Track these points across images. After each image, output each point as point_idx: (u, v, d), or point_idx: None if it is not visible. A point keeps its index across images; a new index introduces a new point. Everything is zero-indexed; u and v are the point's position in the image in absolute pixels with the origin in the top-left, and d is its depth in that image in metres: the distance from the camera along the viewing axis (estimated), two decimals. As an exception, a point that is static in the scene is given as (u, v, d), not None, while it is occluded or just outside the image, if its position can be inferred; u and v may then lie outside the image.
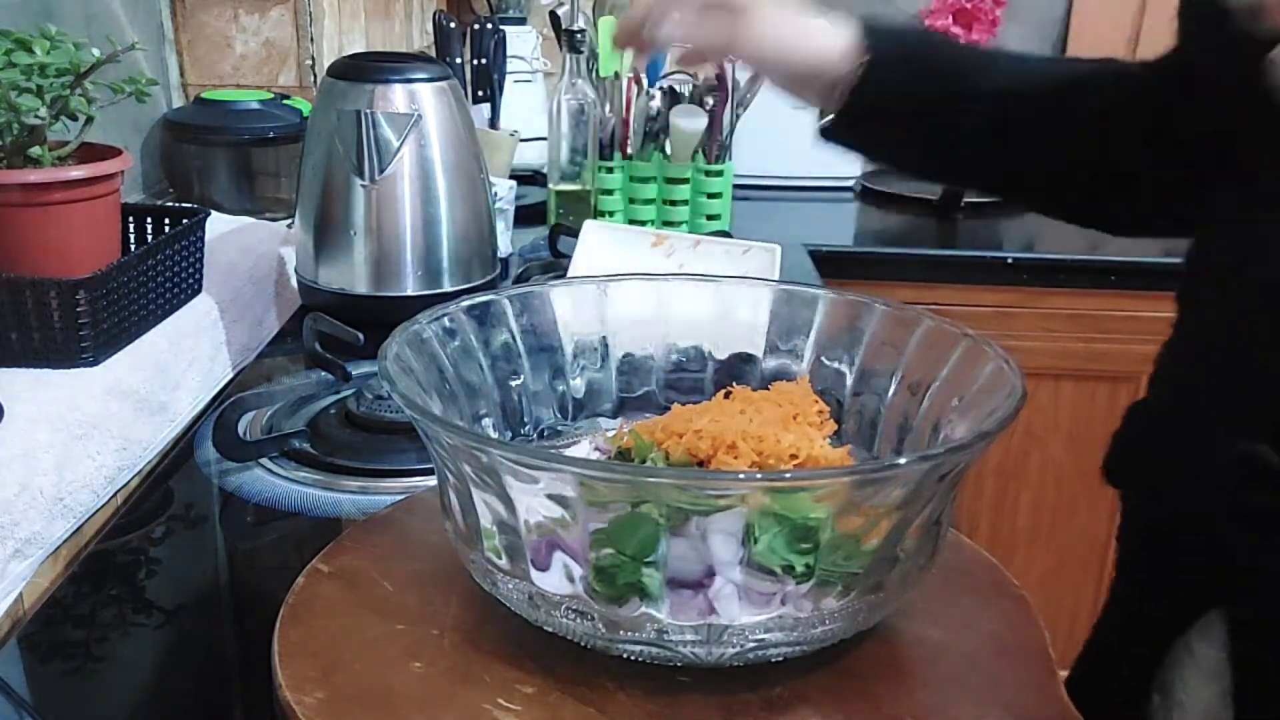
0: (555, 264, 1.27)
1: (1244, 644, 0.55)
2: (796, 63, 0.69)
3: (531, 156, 1.60)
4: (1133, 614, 0.66)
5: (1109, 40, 2.30)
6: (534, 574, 0.48)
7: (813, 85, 0.70)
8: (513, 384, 0.63)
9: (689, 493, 0.45)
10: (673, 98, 1.37)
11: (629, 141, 1.37)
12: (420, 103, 0.99)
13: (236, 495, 0.76)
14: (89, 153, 0.79)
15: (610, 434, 0.62)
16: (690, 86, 1.41)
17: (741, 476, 0.47)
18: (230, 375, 0.96)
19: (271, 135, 1.28)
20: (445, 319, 0.59)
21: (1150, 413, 0.65)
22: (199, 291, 0.93)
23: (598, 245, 1.09)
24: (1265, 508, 0.53)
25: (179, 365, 0.86)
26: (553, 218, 1.40)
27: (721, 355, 0.66)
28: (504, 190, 1.28)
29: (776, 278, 1.03)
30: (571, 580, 0.48)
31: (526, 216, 1.42)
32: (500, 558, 0.50)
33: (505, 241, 1.28)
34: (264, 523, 0.74)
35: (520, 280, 1.25)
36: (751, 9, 0.68)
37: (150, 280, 0.84)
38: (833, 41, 0.69)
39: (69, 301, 0.75)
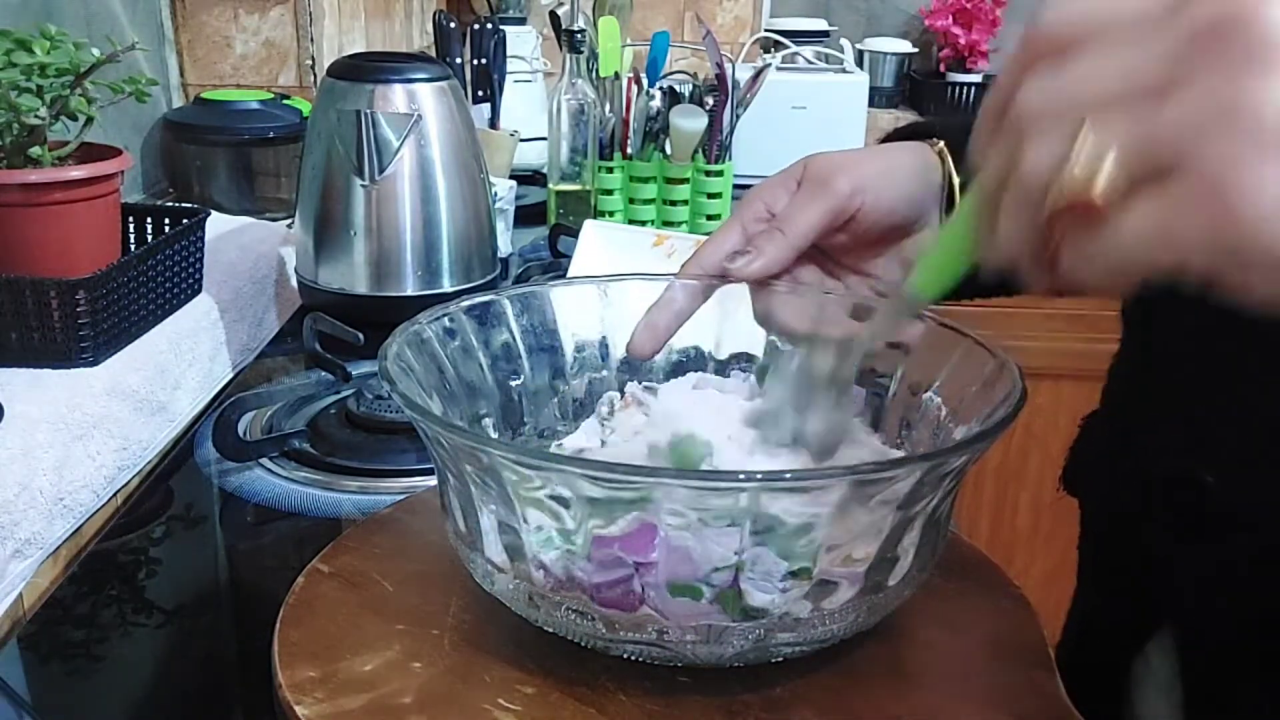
0: (555, 264, 1.27)
1: (1190, 657, 0.56)
2: None
3: (531, 156, 1.60)
4: (1094, 625, 0.67)
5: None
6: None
7: None
8: (513, 384, 0.63)
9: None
10: (673, 98, 1.37)
11: (629, 141, 1.37)
12: (420, 103, 0.99)
13: (236, 495, 0.76)
14: (89, 153, 0.79)
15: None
16: (690, 86, 1.41)
17: (742, 476, 0.47)
18: (230, 375, 0.96)
19: (271, 135, 1.28)
20: (445, 319, 0.59)
21: (1099, 424, 0.66)
22: (199, 291, 0.93)
23: (598, 245, 1.09)
24: (1189, 517, 0.54)
25: (179, 365, 0.86)
26: (553, 218, 1.40)
27: (721, 355, 0.66)
28: (504, 190, 1.28)
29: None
30: (571, 580, 0.48)
31: (526, 216, 1.42)
32: (501, 558, 0.50)
33: (505, 241, 1.28)
34: (264, 523, 0.74)
35: (520, 280, 1.25)
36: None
37: (150, 280, 0.84)
38: None
39: (69, 301, 0.75)
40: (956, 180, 0.59)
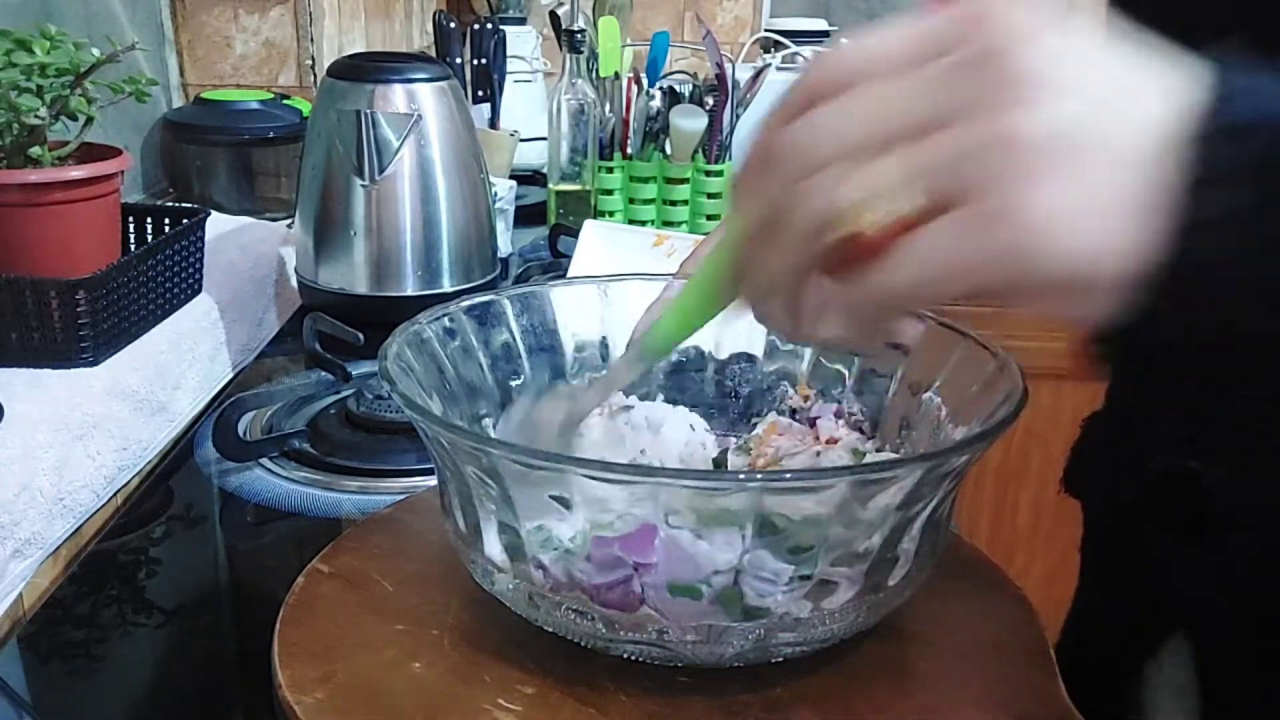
0: (555, 264, 1.27)
1: (1204, 660, 0.56)
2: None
3: (531, 156, 1.60)
4: (1095, 626, 0.67)
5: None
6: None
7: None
8: (513, 384, 0.63)
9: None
10: (673, 98, 1.37)
11: (629, 141, 1.37)
12: (420, 103, 0.99)
13: (236, 495, 0.76)
14: (89, 153, 0.79)
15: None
16: (690, 86, 1.41)
17: (742, 476, 0.47)
18: (230, 375, 0.96)
19: (271, 135, 1.28)
20: (446, 319, 0.59)
21: (1101, 424, 0.66)
22: (199, 291, 0.93)
23: (598, 245, 1.09)
24: (1188, 517, 0.54)
25: (179, 365, 0.86)
26: (553, 218, 1.40)
27: (721, 355, 0.66)
28: (504, 190, 1.28)
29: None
30: (572, 580, 0.48)
31: (526, 216, 1.42)
32: (501, 558, 0.50)
33: (505, 241, 1.28)
34: (264, 523, 0.74)
35: (520, 280, 1.25)
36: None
37: (150, 280, 0.84)
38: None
39: (69, 301, 0.75)
40: None
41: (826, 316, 0.34)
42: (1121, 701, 0.61)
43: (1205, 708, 0.55)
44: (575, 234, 1.11)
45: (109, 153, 0.79)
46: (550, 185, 1.41)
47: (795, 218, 0.32)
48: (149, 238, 0.91)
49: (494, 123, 1.50)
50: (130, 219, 0.91)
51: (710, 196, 1.40)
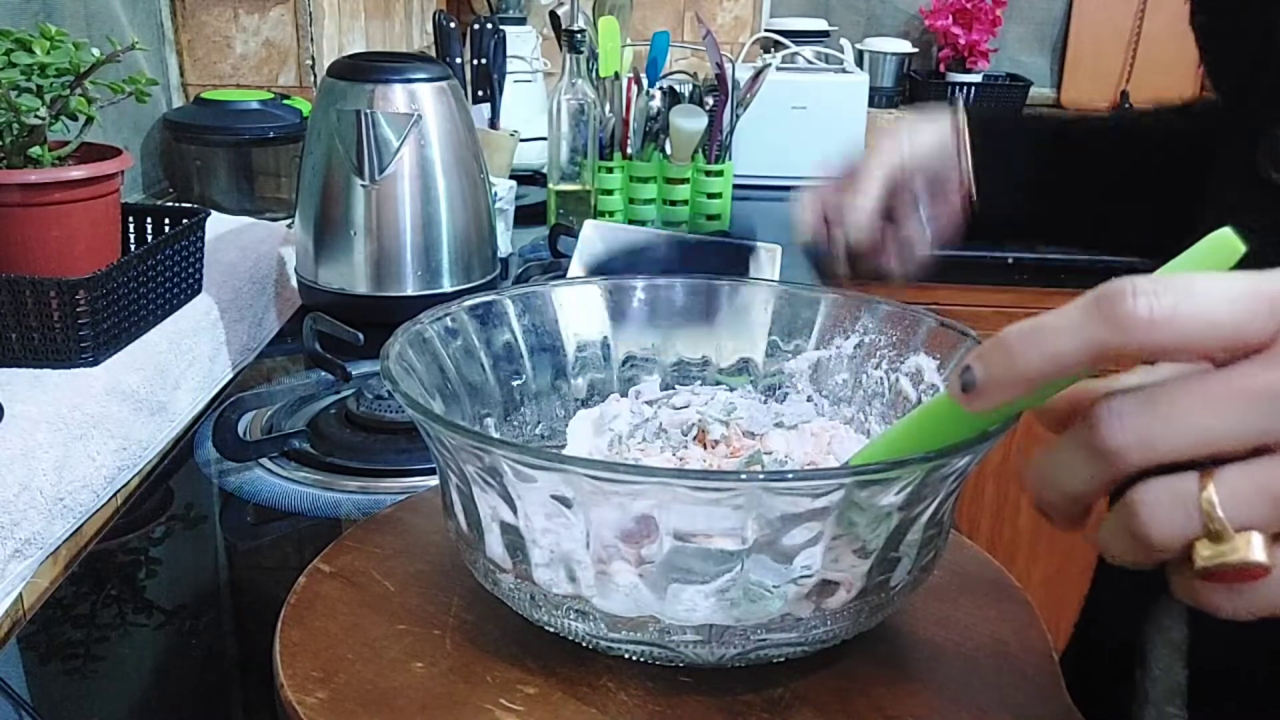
0: (555, 264, 1.27)
1: (1198, 618, 0.56)
2: None
3: (531, 156, 1.60)
4: (1113, 593, 0.67)
5: (1108, 41, 2.30)
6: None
7: None
8: (515, 384, 0.62)
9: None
10: (673, 98, 1.37)
11: (629, 141, 1.37)
12: (420, 103, 0.99)
13: (236, 495, 0.76)
14: (89, 153, 0.79)
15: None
16: (690, 86, 1.41)
17: (744, 476, 0.47)
18: (230, 375, 0.96)
19: (271, 135, 1.28)
20: (447, 319, 0.59)
21: None
22: (199, 291, 0.93)
23: (598, 245, 1.09)
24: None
25: (179, 365, 0.86)
26: (553, 218, 1.40)
27: (724, 362, 0.66)
28: (504, 190, 1.28)
29: (777, 278, 1.03)
30: (573, 580, 0.48)
31: (526, 216, 1.42)
32: (502, 557, 0.50)
33: (505, 241, 1.28)
34: (264, 523, 0.74)
35: (520, 280, 1.25)
36: None
37: (150, 280, 0.84)
38: None
39: (69, 301, 0.75)
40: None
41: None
42: (1129, 665, 0.61)
43: (1193, 659, 0.56)
44: (575, 234, 1.11)
45: (109, 153, 0.79)
46: (550, 185, 1.41)
47: (1153, 536, 0.30)
48: (149, 238, 0.91)
49: (494, 123, 1.50)
50: (130, 219, 0.91)
51: (710, 196, 1.40)
